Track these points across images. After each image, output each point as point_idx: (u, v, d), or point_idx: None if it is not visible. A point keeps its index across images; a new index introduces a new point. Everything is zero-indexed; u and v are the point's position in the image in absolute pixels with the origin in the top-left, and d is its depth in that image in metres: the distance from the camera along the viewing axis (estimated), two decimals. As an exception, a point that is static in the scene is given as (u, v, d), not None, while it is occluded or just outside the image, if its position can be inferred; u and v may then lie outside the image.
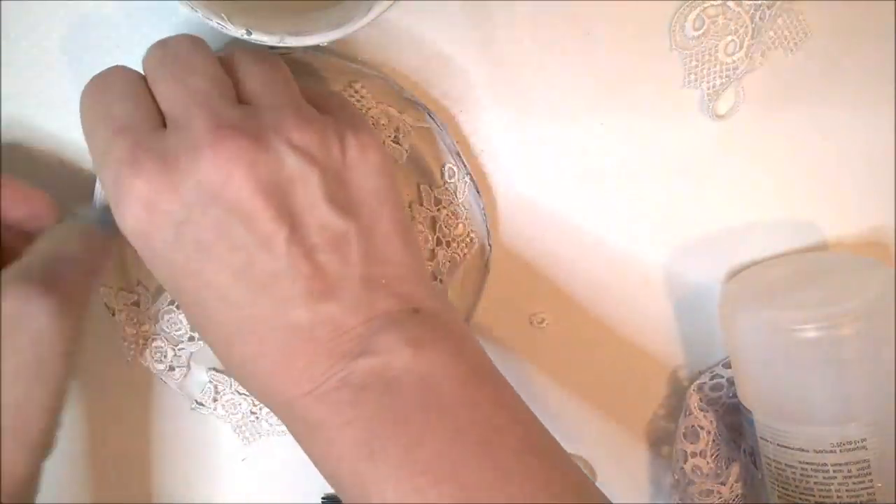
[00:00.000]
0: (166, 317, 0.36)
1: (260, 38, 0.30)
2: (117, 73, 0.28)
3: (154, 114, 0.27)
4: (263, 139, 0.26)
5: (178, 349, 0.36)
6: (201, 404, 0.37)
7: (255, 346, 0.27)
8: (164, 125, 0.27)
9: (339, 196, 0.27)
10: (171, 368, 0.36)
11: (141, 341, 0.36)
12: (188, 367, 0.36)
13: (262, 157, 0.25)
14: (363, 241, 0.27)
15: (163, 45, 0.28)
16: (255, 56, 0.29)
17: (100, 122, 0.27)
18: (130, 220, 0.25)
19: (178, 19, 0.33)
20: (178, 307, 0.36)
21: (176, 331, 0.36)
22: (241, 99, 0.28)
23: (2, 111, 0.34)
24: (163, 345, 0.36)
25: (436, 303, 0.28)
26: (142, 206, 0.25)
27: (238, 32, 0.30)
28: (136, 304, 0.35)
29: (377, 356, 0.26)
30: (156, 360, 0.36)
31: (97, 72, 0.29)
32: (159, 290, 0.36)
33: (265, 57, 0.29)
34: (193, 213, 0.25)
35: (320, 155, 0.27)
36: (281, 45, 0.31)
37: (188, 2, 0.29)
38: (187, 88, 0.27)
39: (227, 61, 0.29)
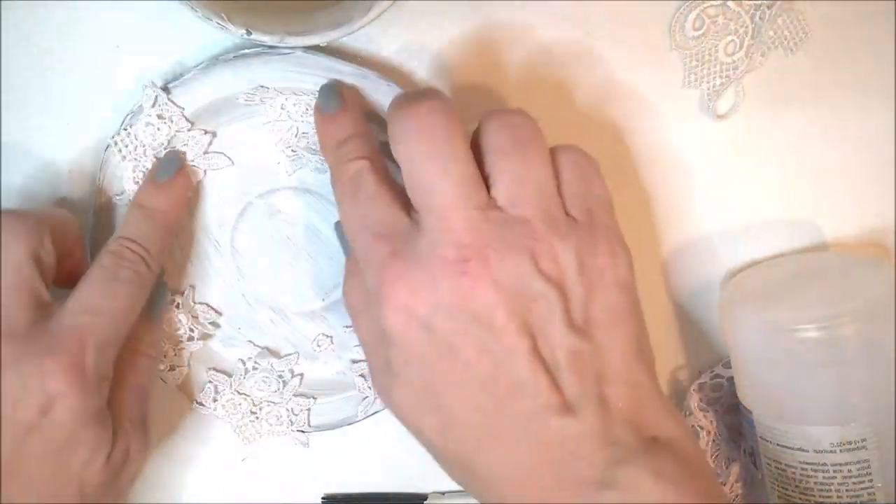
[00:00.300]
0: (164, 316, 0.36)
1: (260, 38, 0.30)
2: (364, 173, 0.30)
3: (404, 212, 0.29)
4: (511, 261, 0.27)
5: (178, 348, 0.36)
6: (201, 404, 0.37)
7: (500, 454, 0.28)
8: (412, 213, 0.29)
9: (577, 315, 0.28)
10: (172, 368, 0.36)
11: None
12: (188, 366, 0.36)
13: (508, 279, 0.27)
14: (597, 360, 0.28)
15: (417, 123, 0.28)
16: (511, 140, 0.29)
17: (360, 231, 0.29)
18: (390, 319, 0.27)
19: (178, 19, 0.33)
20: (177, 307, 0.36)
21: (175, 330, 0.36)
22: (490, 189, 0.28)
23: (2, 111, 0.34)
24: (163, 345, 0.36)
25: (673, 429, 0.28)
26: (399, 308, 0.27)
27: (238, 32, 0.30)
28: None
29: (622, 490, 0.26)
30: None
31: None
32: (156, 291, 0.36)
33: (519, 143, 0.29)
34: (444, 317, 0.27)
35: (565, 281, 0.27)
36: (281, 45, 0.31)
37: (188, 2, 0.29)
38: (441, 179, 0.27)
39: (479, 139, 0.29)
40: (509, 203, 0.28)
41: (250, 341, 0.37)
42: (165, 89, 0.33)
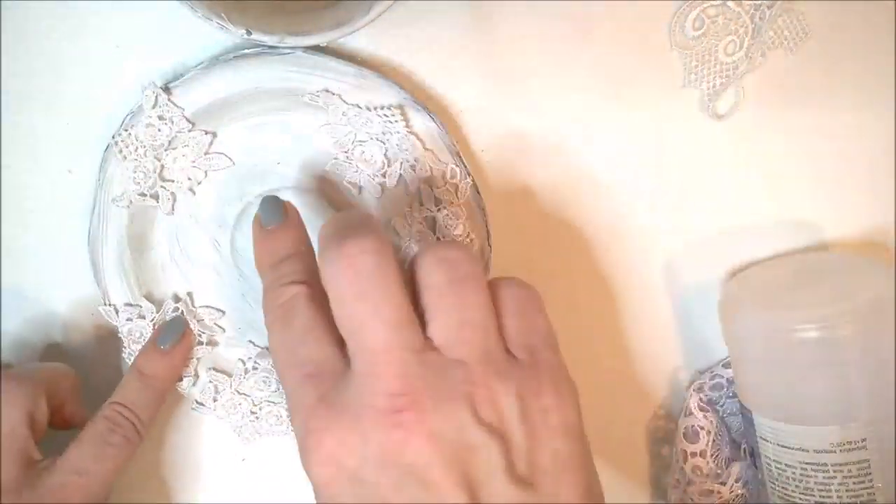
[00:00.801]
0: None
1: (260, 38, 0.30)
2: (299, 301, 0.28)
3: (338, 353, 0.27)
4: (447, 409, 0.25)
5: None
6: (201, 404, 0.37)
7: None
8: (345, 350, 0.27)
9: (521, 465, 0.26)
10: (179, 378, 0.36)
11: None
12: (196, 375, 0.36)
13: (445, 429, 0.25)
14: None
15: (347, 262, 0.26)
16: (447, 277, 0.27)
17: (288, 366, 0.28)
18: (315, 469, 0.26)
19: (178, 19, 0.33)
20: (181, 314, 0.36)
21: None
22: (426, 329, 0.27)
23: (2, 111, 0.34)
24: None
25: None
26: (326, 459, 0.25)
27: (238, 32, 0.30)
28: (142, 317, 0.35)
29: None
30: None
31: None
32: (162, 301, 0.36)
33: (456, 280, 0.27)
34: (375, 470, 0.25)
35: (506, 427, 0.26)
36: (281, 45, 0.31)
37: (188, 2, 0.29)
38: (372, 320, 0.26)
39: (415, 274, 0.28)
40: (446, 344, 0.26)
41: (250, 341, 0.37)
42: (166, 90, 0.33)
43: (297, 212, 0.32)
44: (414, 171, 0.34)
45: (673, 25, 0.35)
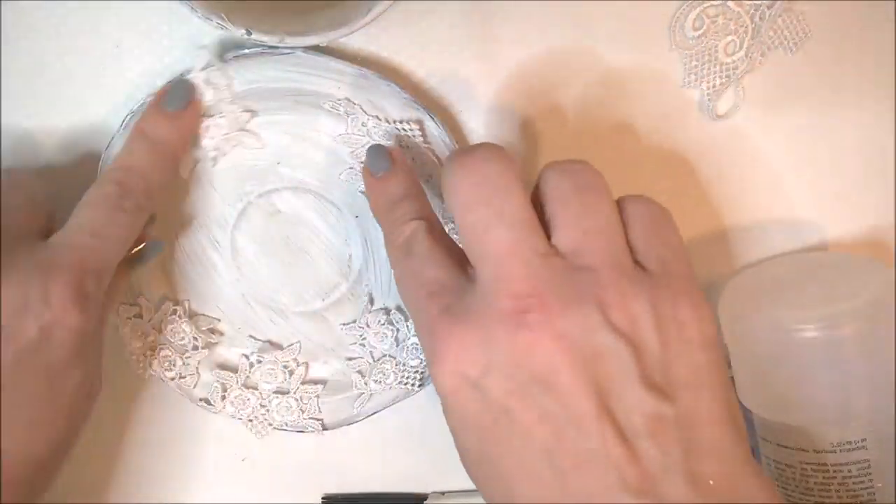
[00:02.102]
0: (169, 327, 0.36)
1: (260, 38, 0.30)
2: (418, 233, 0.28)
3: (461, 272, 0.27)
4: (576, 311, 0.24)
5: (186, 358, 0.36)
6: (210, 403, 0.37)
7: None
8: (469, 269, 0.26)
9: (656, 375, 0.24)
10: (182, 377, 0.36)
11: (148, 352, 0.36)
12: (198, 374, 0.36)
13: (573, 331, 0.24)
14: (684, 429, 0.24)
15: (471, 169, 0.26)
16: (572, 186, 0.26)
17: (412, 290, 0.27)
18: (440, 379, 0.25)
19: (178, 19, 0.33)
20: (180, 317, 0.36)
21: (180, 340, 0.36)
22: (551, 238, 0.26)
23: (2, 111, 0.34)
24: (170, 353, 0.36)
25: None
26: (451, 366, 0.24)
27: (238, 32, 0.30)
28: (139, 315, 0.35)
29: None
30: (165, 370, 0.36)
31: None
32: (161, 301, 0.36)
33: (581, 189, 0.26)
34: (499, 377, 0.24)
35: (639, 334, 0.24)
36: (281, 45, 0.31)
37: (188, 2, 0.29)
38: (497, 224, 0.25)
39: (539, 189, 0.27)
40: (572, 251, 0.25)
41: (251, 336, 0.37)
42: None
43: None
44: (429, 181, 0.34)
45: (673, 25, 0.35)
